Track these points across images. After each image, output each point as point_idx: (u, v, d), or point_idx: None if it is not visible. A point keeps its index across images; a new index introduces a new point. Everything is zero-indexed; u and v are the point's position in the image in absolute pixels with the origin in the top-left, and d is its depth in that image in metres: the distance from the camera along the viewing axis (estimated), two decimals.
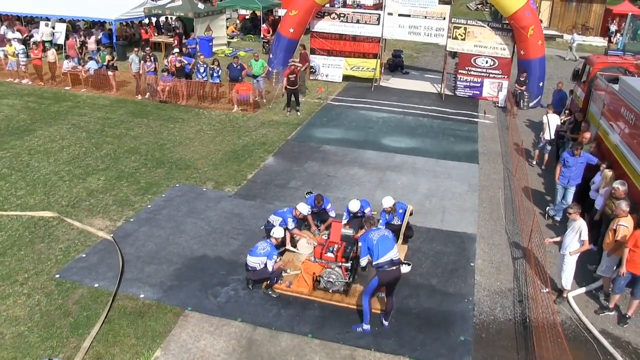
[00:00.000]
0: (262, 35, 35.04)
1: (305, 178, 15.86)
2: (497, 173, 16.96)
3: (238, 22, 41.08)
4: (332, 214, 12.52)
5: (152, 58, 23.07)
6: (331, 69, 26.79)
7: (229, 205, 14.05)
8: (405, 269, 9.97)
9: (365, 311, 9.60)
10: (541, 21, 30.96)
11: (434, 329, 9.82)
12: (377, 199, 13.91)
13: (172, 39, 31.62)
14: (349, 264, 10.52)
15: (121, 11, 30.95)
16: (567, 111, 19.06)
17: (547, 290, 10.81)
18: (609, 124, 14.49)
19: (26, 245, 11.91)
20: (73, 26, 32.83)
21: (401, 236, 12.17)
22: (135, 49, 23.82)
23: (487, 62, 24.54)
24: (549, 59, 25.01)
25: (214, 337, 9.41)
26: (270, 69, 24.13)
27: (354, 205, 12.04)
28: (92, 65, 23.96)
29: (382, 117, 21.81)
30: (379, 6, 28.13)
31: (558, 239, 11.24)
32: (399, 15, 24.81)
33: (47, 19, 31.32)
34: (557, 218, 14.00)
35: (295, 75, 21.23)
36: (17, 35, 29.24)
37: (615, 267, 10.62)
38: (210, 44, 31.18)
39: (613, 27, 42.93)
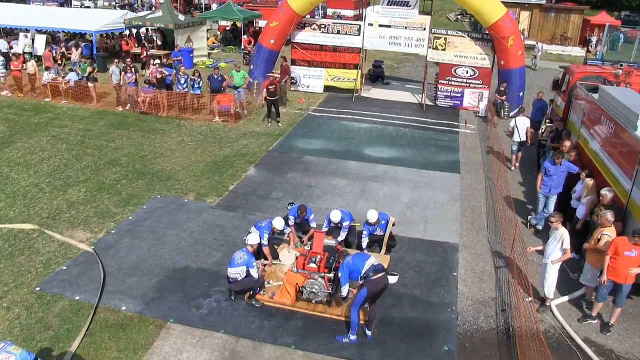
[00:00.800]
0: (242, 47, 35.04)
1: (287, 189, 15.83)
2: (479, 182, 17.05)
3: (219, 33, 41.04)
4: (314, 224, 12.48)
5: (132, 69, 22.95)
6: (312, 79, 26.82)
7: (211, 217, 13.98)
8: (392, 279, 9.99)
9: (353, 322, 9.57)
10: (522, 31, 31.34)
11: (417, 339, 9.81)
12: (359, 209, 13.96)
13: (143, 50, 31.56)
14: (331, 275, 10.50)
15: (101, 23, 30.81)
16: (547, 120, 19.24)
17: (530, 299, 10.88)
18: (589, 133, 14.65)
19: (5, 257, 11.74)
20: (53, 38, 32.59)
21: (384, 247, 12.23)
22: (116, 61, 23.70)
23: (467, 72, 24.73)
24: (528, 69, 25.22)
25: (196, 349, 9.32)
26: (251, 80, 24.10)
27: (335, 216, 11.98)
28: (72, 77, 23.79)
29: (363, 128, 21.86)
30: (359, 17, 28.32)
31: (540, 247, 11.31)
32: (380, 25, 24.96)
33: (27, 31, 31.09)
34: (539, 227, 14.08)
35: (274, 86, 21.23)
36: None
37: (597, 277, 10.70)
38: (191, 55, 31.09)
39: (594, 38, 43.43)
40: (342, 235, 12.16)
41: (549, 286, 10.80)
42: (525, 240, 13.35)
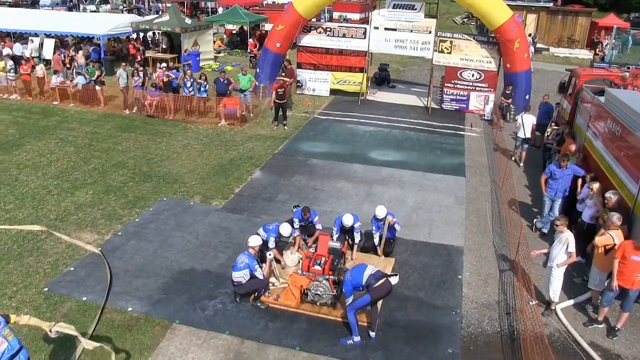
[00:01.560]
0: (249, 50, 35.15)
1: (292, 192, 15.90)
2: (484, 186, 17.07)
3: (225, 36, 41.19)
4: (319, 226, 12.51)
5: (140, 73, 23.08)
6: (318, 83, 26.88)
7: (217, 219, 14.05)
8: (394, 280, 10.04)
9: (352, 324, 9.62)
10: (531, 35, 31.23)
11: (421, 342, 9.83)
12: (364, 212, 14.01)
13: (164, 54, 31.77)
14: (336, 277, 10.53)
15: (109, 27, 31.00)
16: (553, 123, 19.22)
17: (535, 302, 10.86)
18: (595, 136, 14.63)
19: (14, 258, 11.86)
20: (61, 42, 32.81)
21: (380, 247, 12.30)
22: (123, 64, 23.86)
23: (473, 76, 24.74)
24: (534, 71, 25.23)
25: (201, 350, 9.39)
26: (257, 83, 24.19)
27: (348, 220, 11.95)
28: (80, 80, 23.96)
29: (368, 131, 21.91)
30: (365, 20, 28.37)
31: (545, 250, 11.30)
32: (385, 29, 24.99)
33: (36, 35, 31.31)
34: (545, 230, 14.07)
35: (283, 90, 21.32)
36: (11, 50, 29.27)
37: (605, 281, 10.68)
38: (198, 58, 31.23)
39: (605, 42, 43.23)
40: (357, 238, 12.17)
41: (554, 290, 10.79)
42: (531, 244, 13.36)
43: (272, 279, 11.12)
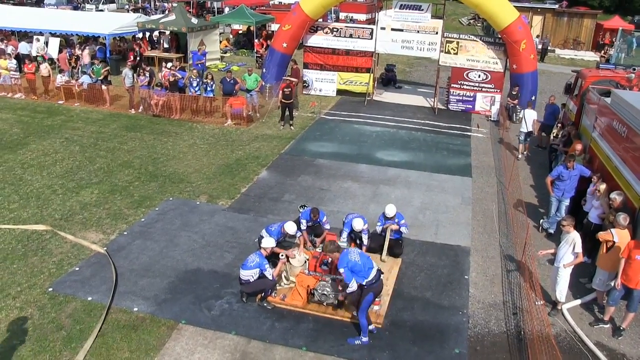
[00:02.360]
0: (255, 50, 35.15)
1: (299, 192, 15.87)
2: (491, 186, 17.01)
3: (231, 36, 41.21)
4: (327, 227, 12.49)
5: (146, 73, 23.09)
6: (324, 83, 26.86)
7: (223, 219, 14.03)
8: None
9: (364, 326, 9.58)
10: (539, 36, 31.11)
11: (428, 342, 9.80)
12: (370, 212, 13.99)
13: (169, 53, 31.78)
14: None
15: (115, 26, 31.02)
16: (559, 125, 19.17)
17: (542, 302, 10.84)
18: (601, 137, 14.57)
19: (19, 258, 11.84)
20: (66, 41, 32.85)
21: (384, 252, 12.25)
22: (129, 63, 23.85)
23: (479, 76, 24.69)
24: (540, 73, 25.17)
25: (208, 350, 9.36)
26: (263, 83, 24.18)
27: (358, 224, 11.94)
28: (85, 80, 23.98)
29: (375, 131, 21.87)
30: (371, 21, 28.34)
31: (552, 250, 11.26)
32: (392, 29, 24.96)
33: (41, 34, 31.35)
34: (551, 231, 14.03)
35: (290, 90, 21.31)
36: (14, 49, 29.30)
37: (609, 282, 10.67)
38: (204, 59, 31.21)
39: (617, 43, 42.91)
40: (365, 239, 12.17)
41: (561, 290, 10.75)
42: (537, 244, 13.34)
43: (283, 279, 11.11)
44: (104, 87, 23.77)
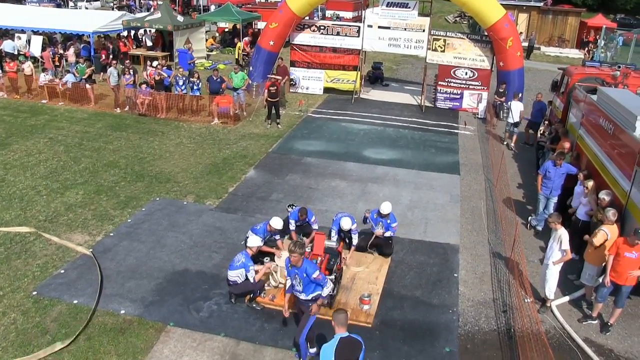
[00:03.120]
0: (240, 48, 34.96)
1: (287, 190, 15.78)
2: (479, 184, 17.02)
3: (217, 34, 40.98)
4: (315, 226, 12.43)
5: (131, 71, 22.89)
6: (311, 81, 26.78)
7: (211, 219, 13.91)
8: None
9: (304, 354, 9.03)
10: (521, 33, 31.32)
11: (418, 341, 9.76)
12: (359, 210, 13.91)
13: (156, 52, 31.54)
14: (332, 276, 10.43)
15: (99, 24, 30.72)
16: (546, 122, 19.23)
17: (531, 299, 10.84)
18: (588, 134, 14.62)
19: (1, 261, 11.63)
20: (50, 39, 32.51)
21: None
22: (114, 62, 23.62)
23: (466, 74, 24.71)
24: (526, 70, 25.24)
25: (196, 352, 9.25)
26: (250, 81, 24.05)
27: (346, 223, 11.83)
28: (69, 79, 23.71)
29: (363, 129, 21.83)
30: (357, 19, 28.28)
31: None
32: (379, 27, 24.92)
33: (23, 32, 30.99)
34: (539, 228, 14.06)
35: (276, 88, 21.18)
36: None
37: (597, 276, 10.71)
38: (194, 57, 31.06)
39: (601, 42, 43.10)
40: (355, 239, 12.08)
41: (550, 287, 10.78)
42: (526, 241, 13.37)
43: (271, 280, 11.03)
44: (88, 86, 23.52)
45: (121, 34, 33.51)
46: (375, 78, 30.12)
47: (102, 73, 26.94)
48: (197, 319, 10.05)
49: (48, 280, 11.03)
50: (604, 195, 11.48)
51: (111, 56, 29.15)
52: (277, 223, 11.56)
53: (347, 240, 12.22)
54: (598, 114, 14.00)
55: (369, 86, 29.11)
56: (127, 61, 24.87)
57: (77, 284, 10.91)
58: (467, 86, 24.94)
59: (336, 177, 16.85)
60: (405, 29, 24.67)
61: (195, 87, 22.44)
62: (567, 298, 11.32)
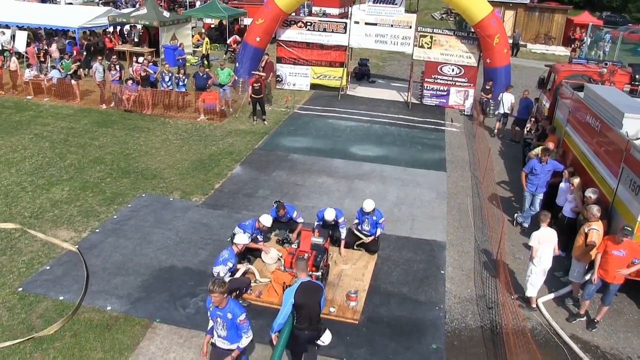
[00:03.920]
0: (227, 45, 34.86)
1: (273, 187, 15.74)
2: (465, 180, 17.08)
3: (204, 30, 40.79)
4: (300, 219, 12.45)
5: (117, 67, 22.72)
6: (298, 77, 26.73)
7: (197, 215, 13.86)
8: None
9: None
10: (512, 31, 31.46)
11: (405, 338, 9.78)
12: (346, 207, 13.92)
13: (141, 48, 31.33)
14: (319, 273, 10.43)
15: (84, 19, 30.47)
16: (533, 119, 19.33)
17: (516, 296, 10.89)
18: (574, 131, 14.70)
19: None
20: (34, 34, 32.20)
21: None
22: (99, 58, 23.44)
23: (453, 70, 24.77)
24: (513, 67, 25.34)
25: (183, 349, 9.22)
26: (236, 77, 23.96)
27: (330, 215, 11.85)
28: (55, 74, 23.50)
29: (349, 126, 21.82)
30: (344, 15, 28.24)
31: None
32: (366, 23, 24.91)
33: (7, 27, 30.66)
34: (525, 225, 14.14)
35: (260, 85, 21.10)
36: None
37: (584, 273, 10.78)
38: (177, 54, 30.89)
39: (587, 39, 43.34)
40: (342, 233, 12.10)
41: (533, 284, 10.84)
42: (512, 238, 13.44)
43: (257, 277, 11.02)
44: (73, 82, 23.32)
45: (107, 30, 33.26)
46: (362, 75, 30.13)
47: (85, 69, 26.70)
48: (183, 316, 10.02)
49: (34, 277, 10.94)
50: (590, 194, 11.54)
51: (84, 53, 28.80)
52: (266, 220, 11.56)
53: (337, 237, 12.22)
54: (585, 111, 14.08)
55: (356, 83, 29.11)
56: (114, 57, 24.69)
57: (63, 281, 10.84)
58: (453, 83, 25.00)
59: (323, 174, 16.84)
60: (392, 26, 24.67)
61: (181, 83, 22.33)
62: (552, 295, 11.37)
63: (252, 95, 21.19)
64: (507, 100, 21.32)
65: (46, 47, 28.31)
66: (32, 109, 22.17)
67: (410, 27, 24.53)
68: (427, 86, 25.51)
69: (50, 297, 10.35)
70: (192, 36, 36.08)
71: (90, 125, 20.47)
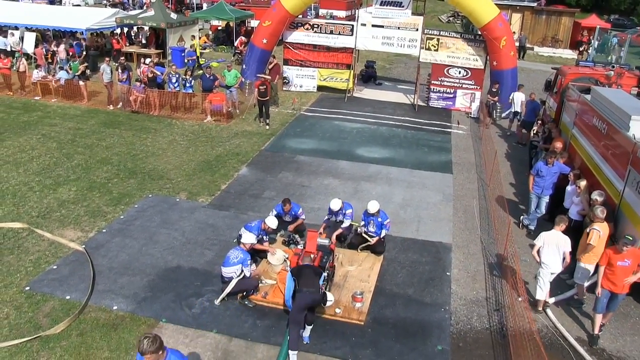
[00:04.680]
0: (234, 47, 34.93)
1: (279, 188, 15.77)
2: (471, 183, 17.06)
3: (210, 32, 40.90)
4: (303, 217, 12.66)
5: (125, 69, 22.80)
6: (305, 79, 26.77)
7: (203, 216, 13.89)
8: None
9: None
10: (514, 33, 31.43)
11: (411, 339, 9.78)
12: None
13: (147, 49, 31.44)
14: (325, 274, 10.44)
15: (92, 21, 30.60)
16: (539, 121, 19.29)
17: (522, 298, 10.87)
18: (581, 134, 14.67)
19: None
20: (42, 36, 32.35)
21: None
22: (107, 59, 23.54)
23: (460, 73, 24.73)
24: (519, 70, 25.31)
25: (189, 348, 9.24)
26: (243, 79, 24.01)
27: (336, 204, 12.09)
28: (63, 75, 23.61)
29: (355, 128, 21.83)
30: (351, 18, 28.25)
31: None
32: (373, 26, 24.92)
33: (16, 28, 30.82)
34: (532, 227, 14.09)
35: (265, 87, 21.13)
36: None
37: (589, 275, 10.75)
38: (183, 54, 30.95)
39: (595, 42, 43.12)
40: (346, 222, 12.31)
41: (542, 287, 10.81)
42: (518, 241, 13.40)
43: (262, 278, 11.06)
44: (81, 83, 23.43)
45: (114, 32, 33.39)
46: (368, 77, 30.10)
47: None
48: (189, 316, 10.04)
49: (41, 276, 10.99)
50: (596, 196, 11.50)
51: (84, 53, 28.84)
52: (272, 222, 11.62)
53: (343, 239, 12.33)
54: (592, 113, 14.05)
55: (362, 85, 29.09)
56: (122, 58, 24.78)
57: (69, 280, 10.89)
58: (460, 85, 24.96)
59: (329, 176, 16.86)
60: (398, 28, 24.67)
61: (187, 85, 22.39)
62: (559, 297, 11.33)
63: (258, 98, 21.22)
64: (518, 99, 21.69)
65: (54, 49, 28.43)
66: (40, 110, 22.28)
67: (417, 29, 24.51)
68: (433, 88, 25.48)
69: (57, 296, 10.40)
70: (199, 38, 36.12)
71: (97, 126, 20.55)
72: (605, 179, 12.23)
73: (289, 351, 9.07)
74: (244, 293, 10.42)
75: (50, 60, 27.82)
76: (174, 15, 32.86)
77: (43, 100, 23.58)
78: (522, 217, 14.56)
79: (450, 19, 58.97)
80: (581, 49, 44.29)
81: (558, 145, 15.23)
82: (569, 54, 44.85)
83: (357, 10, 25.52)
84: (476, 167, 18.45)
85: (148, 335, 6.47)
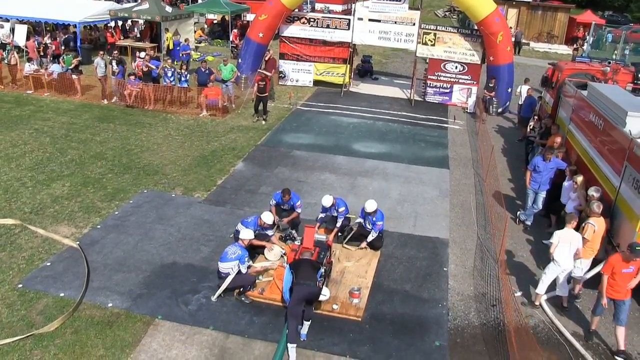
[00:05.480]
0: (231, 40, 34.77)
1: (275, 183, 15.67)
2: (468, 178, 17.01)
3: (206, 26, 40.70)
4: (299, 210, 12.65)
5: (119, 62, 22.65)
6: (301, 74, 26.65)
7: (199, 211, 13.80)
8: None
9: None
10: (510, 28, 31.39)
11: (408, 335, 9.74)
12: (349, 204, 13.73)
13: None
14: (322, 270, 10.37)
15: (86, 14, 30.35)
16: (536, 117, 19.26)
17: (519, 293, 10.86)
18: (577, 130, 14.65)
19: None
20: (34, 28, 32.06)
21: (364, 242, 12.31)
22: (101, 53, 23.35)
23: (456, 68, 24.68)
24: (515, 65, 25.25)
25: (185, 346, 9.17)
26: (239, 73, 23.87)
27: (327, 201, 12.10)
28: (55, 69, 23.41)
29: (352, 123, 21.75)
30: (347, 12, 28.11)
31: None
32: (369, 20, 24.82)
33: (7, 20, 30.50)
34: (528, 223, 14.08)
35: (264, 83, 21.01)
36: None
37: (586, 269, 10.74)
38: (178, 48, 30.76)
39: (590, 38, 43.10)
40: (338, 222, 12.25)
41: (544, 282, 10.77)
42: (515, 236, 13.40)
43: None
44: (74, 76, 23.24)
45: (108, 25, 33.16)
46: (365, 71, 30.05)
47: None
48: (185, 312, 9.96)
49: (34, 273, 10.88)
50: (593, 192, 11.50)
51: (63, 47, 28.63)
52: (268, 218, 11.54)
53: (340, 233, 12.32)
54: (588, 109, 14.03)
55: (358, 79, 29.03)
56: (116, 52, 24.61)
57: (63, 277, 10.77)
58: (456, 80, 24.90)
59: (325, 171, 16.78)
60: (395, 22, 24.59)
61: (183, 79, 22.26)
62: (553, 293, 11.29)
63: (257, 94, 21.09)
64: (525, 92, 21.56)
65: (47, 42, 28.18)
66: (32, 104, 22.09)
67: (414, 24, 24.44)
68: (430, 83, 25.42)
69: (51, 293, 10.28)
70: (195, 32, 35.98)
71: (91, 120, 20.40)
72: (601, 174, 12.22)
73: (288, 344, 9.06)
74: (241, 289, 10.35)
75: (42, 54, 27.57)
76: (168, 9, 32.64)
77: (35, 94, 23.38)
78: (518, 212, 14.55)
79: (447, 13, 58.89)
80: (576, 44, 44.31)
81: (557, 140, 15.20)
82: (565, 50, 44.91)
83: (353, 5, 25.38)
84: (473, 162, 18.40)
85: None
